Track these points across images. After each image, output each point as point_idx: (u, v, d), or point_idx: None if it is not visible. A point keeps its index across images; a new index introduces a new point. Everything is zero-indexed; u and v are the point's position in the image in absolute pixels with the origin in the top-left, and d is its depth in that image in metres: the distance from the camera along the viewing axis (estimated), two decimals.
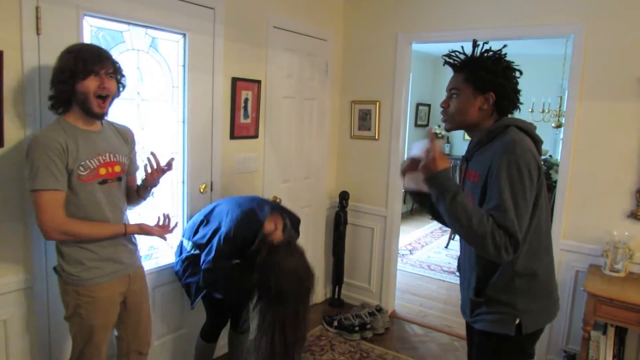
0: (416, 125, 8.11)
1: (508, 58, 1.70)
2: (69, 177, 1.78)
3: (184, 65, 2.70)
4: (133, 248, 2.09)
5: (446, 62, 1.75)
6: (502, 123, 1.68)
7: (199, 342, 2.58)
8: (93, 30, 2.29)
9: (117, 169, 1.94)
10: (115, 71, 1.86)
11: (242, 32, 3.01)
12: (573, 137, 2.95)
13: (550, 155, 6.09)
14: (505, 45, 1.74)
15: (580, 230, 2.99)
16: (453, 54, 1.73)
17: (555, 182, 3.17)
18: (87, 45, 1.86)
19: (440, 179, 1.54)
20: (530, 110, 5.95)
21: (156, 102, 2.64)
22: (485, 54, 1.68)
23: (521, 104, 1.74)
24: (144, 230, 2.00)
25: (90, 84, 1.77)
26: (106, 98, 1.83)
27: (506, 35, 3.15)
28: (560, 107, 5.69)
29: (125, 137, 2.07)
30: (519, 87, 1.71)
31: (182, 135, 2.75)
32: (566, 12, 2.93)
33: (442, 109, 1.77)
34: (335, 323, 3.59)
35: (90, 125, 1.88)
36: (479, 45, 1.70)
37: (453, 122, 1.75)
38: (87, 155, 1.82)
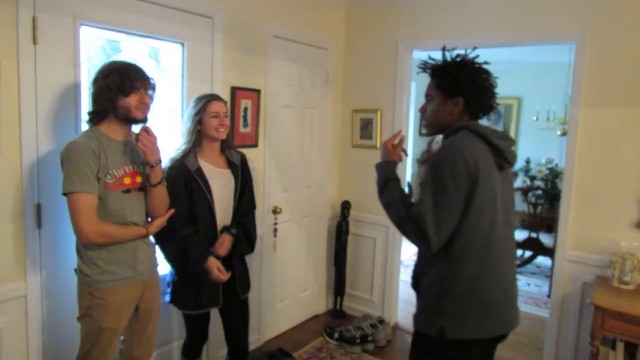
0: (420, 134, 8.05)
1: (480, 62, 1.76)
2: (97, 183, 1.85)
3: (182, 75, 2.68)
4: (150, 254, 2.10)
5: (420, 69, 1.84)
6: (456, 126, 1.72)
7: None
8: (90, 40, 2.28)
9: (139, 179, 2.00)
10: (152, 87, 1.97)
11: (241, 41, 3.00)
12: (577, 145, 2.90)
13: (557, 164, 6.01)
14: (475, 47, 1.78)
15: (586, 240, 2.92)
16: (429, 60, 1.80)
17: (561, 191, 3.12)
18: (127, 62, 1.94)
19: (383, 166, 1.84)
20: (535, 118, 5.90)
21: (154, 112, 2.62)
22: (452, 60, 1.74)
23: (496, 104, 1.79)
24: (157, 225, 2.05)
25: (132, 101, 1.89)
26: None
27: (507, 41, 3.13)
28: (565, 115, 5.63)
29: None
30: (494, 90, 1.75)
31: None
32: (568, 18, 2.89)
33: (421, 114, 1.86)
34: (336, 335, 3.53)
35: (120, 135, 1.96)
36: (449, 51, 1.76)
37: (430, 126, 1.83)
38: (115, 164, 1.90)
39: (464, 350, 1.68)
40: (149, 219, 2.09)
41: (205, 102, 2.26)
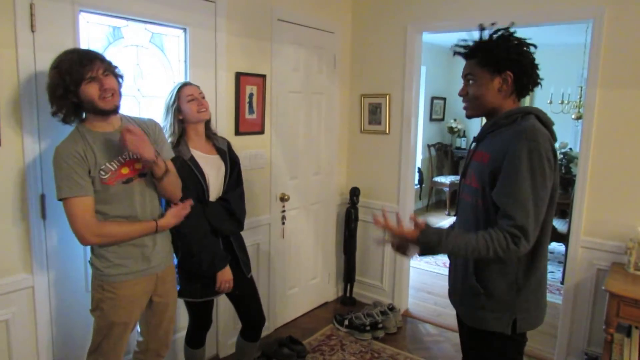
0: (431, 119, 7.95)
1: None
2: (93, 182, 1.80)
3: (185, 61, 2.63)
4: (165, 246, 2.06)
5: (456, 53, 1.70)
6: (523, 109, 1.62)
7: (185, 350, 2.53)
8: (92, 27, 2.24)
9: (138, 166, 1.92)
10: (108, 67, 1.81)
11: (245, 25, 2.93)
12: (593, 129, 2.81)
13: (571, 149, 5.88)
14: (513, 23, 1.68)
15: (601, 226, 2.84)
16: (462, 42, 1.68)
17: (575, 176, 3.03)
18: (68, 53, 1.78)
19: (422, 243, 1.57)
20: (548, 101, 5.77)
21: (157, 99, 2.58)
22: (494, 35, 1.62)
23: (541, 79, 1.67)
24: (178, 217, 1.98)
25: (90, 90, 1.75)
26: (112, 94, 1.81)
27: (521, 21, 3.00)
28: (580, 97, 5.50)
29: (146, 130, 2.01)
30: (537, 62, 1.64)
31: None
32: None
33: (462, 98, 1.72)
34: (346, 322, 3.51)
35: (108, 127, 1.87)
36: (485, 29, 1.64)
37: (473, 108, 1.69)
38: (106, 158, 1.83)
39: (523, 343, 1.68)
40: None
41: (177, 89, 2.25)
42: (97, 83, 1.75)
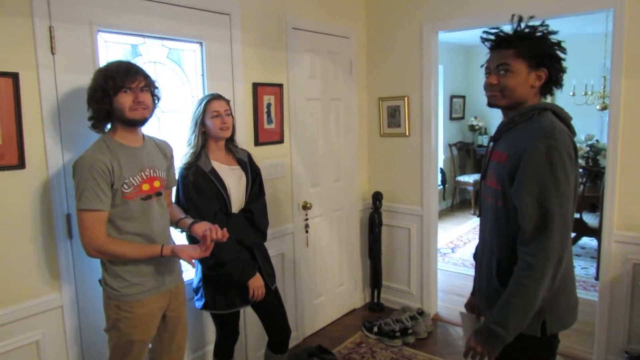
0: (451, 118, 7.86)
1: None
2: (114, 195, 1.81)
3: (202, 75, 2.65)
4: (175, 262, 2.07)
5: (487, 40, 1.64)
6: (539, 105, 1.58)
7: None
8: (109, 46, 2.27)
9: (157, 184, 1.95)
10: (148, 85, 1.87)
11: (260, 36, 2.94)
12: (620, 119, 2.73)
13: (597, 140, 5.73)
14: (532, 17, 1.61)
15: (635, 219, 2.75)
16: (496, 30, 1.63)
17: (604, 168, 2.94)
18: (117, 62, 1.88)
19: (496, 344, 1.53)
20: (571, 93, 5.64)
21: (177, 114, 2.61)
22: (538, 28, 1.58)
23: (563, 84, 1.64)
24: (175, 254, 1.89)
25: (124, 100, 1.80)
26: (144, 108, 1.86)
27: (539, 14, 2.92)
28: (604, 88, 5.36)
29: (164, 151, 2.08)
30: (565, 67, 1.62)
31: None
32: None
33: (489, 86, 1.63)
34: (375, 329, 3.46)
35: (133, 141, 1.90)
36: (522, 20, 1.60)
37: (502, 97, 1.61)
38: (131, 172, 1.85)
39: (555, 345, 1.63)
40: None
41: (204, 103, 2.26)
42: (133, 95, 1.81)
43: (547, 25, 1.58)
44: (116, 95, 1.79)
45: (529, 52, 1.55)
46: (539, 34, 1.57)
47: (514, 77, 1.57)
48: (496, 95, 1.62)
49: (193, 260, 1.87)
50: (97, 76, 1.82)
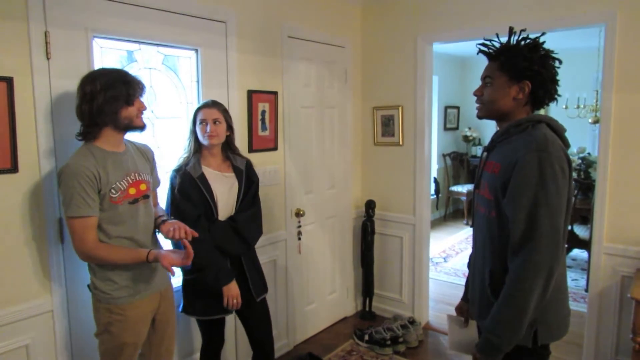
0: (445, 128, 7.91)
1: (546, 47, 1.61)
2: (102, 201, 1.82)
3: (197, 81, 2.67)
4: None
5: (480, 51, 1.69)
6: (533, 117, 1.60)
7: None
8: (104, 52, 2.28)
9: (143, 187, 1.97)
10: (144, 93, 1.94)
11: (255, 44, 2.96)
12: (611, 133, 2.76)
13: (589, 153, 5.78)
14: (543, 33, 1.64)
15: (624, 232, 2.78)
16: (488, 42, 1.66)
17: (595, 181, 2.97)
18: (122, 70, 1.94)
19: (493, 353, 1.55)
20: (564, 106, 5.70)
21: (171, 120, 2.62)
22: (522, 42, 1.60)
23: (559, 95, 1.65)
24: (158, 259, 1.87)
25: (134, 109, 1.87)
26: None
27: (532, 28, 2.95)
28: (597, 101, 5.42)
29: (145, 154, 2.11)
30: (558, 78, 1.62)
31: None
32: (596, 0, 2.75)
33: (476, 98, 1.70)
34: (367, 337, 3.47)
35: (116, 147, 1.92)
36: (515, 33, 1.62)
37: (486, 110, 1.68)
38: (117, 177, 1.86)
39: (546, 356, 1.65)
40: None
41: (195, 110, 2.31)
42: (139, 103, 1.89)
43: (532, 39, 1.60)
44: (132, 104, 1.85)
45: (508, 65, 1.59)
46: (523, 47, 1.59)
47: (495, 89, 1.62)
48: (480, 108, 1.68)
49: (172, 268, 1.86)
50: (115, 85, 1.80)
